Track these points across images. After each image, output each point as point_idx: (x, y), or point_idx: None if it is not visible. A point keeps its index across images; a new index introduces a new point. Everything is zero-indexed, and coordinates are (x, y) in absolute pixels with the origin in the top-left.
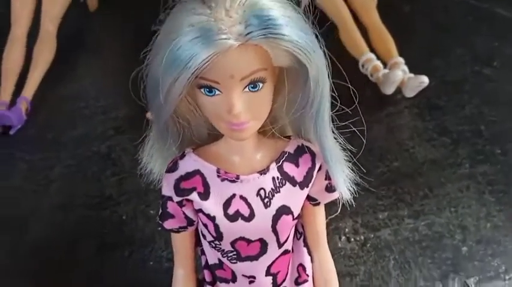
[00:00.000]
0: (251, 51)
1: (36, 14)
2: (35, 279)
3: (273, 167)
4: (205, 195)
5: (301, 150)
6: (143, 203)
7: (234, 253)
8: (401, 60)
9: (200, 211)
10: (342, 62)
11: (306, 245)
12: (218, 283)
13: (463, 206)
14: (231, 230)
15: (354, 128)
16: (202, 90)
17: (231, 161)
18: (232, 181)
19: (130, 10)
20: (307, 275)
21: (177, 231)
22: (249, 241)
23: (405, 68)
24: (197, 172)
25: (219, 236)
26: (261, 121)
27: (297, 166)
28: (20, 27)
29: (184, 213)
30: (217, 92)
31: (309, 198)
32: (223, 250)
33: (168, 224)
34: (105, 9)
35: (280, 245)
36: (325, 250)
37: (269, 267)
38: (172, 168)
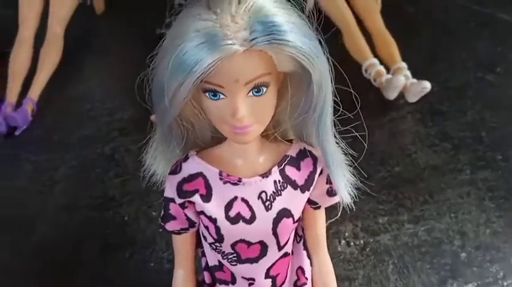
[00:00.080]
0: (255, 57)
1: (43, 15)
2: (38, 279)
3: (275, 170)
4: (207, 197)
5: (303, 154)
6: (145, 205)
7: (234, 255)
8: (404, 65)
9: (202, 213)
10: (345, 66)
11: (305, 248)
12: (218, 284)
13: (463, 212)
14: (231, 232)
15: (355, 133)
16: (207, 94)
17: (233, 164)
18: (235, 184)
19: (137, 14)
20: (306, 278)
21: (179, 233)
22: (249, 244)
23: (408, 73)
24: (200, 174)
25: (219, 238)
26: (264, 125)
27: (299, 169)
28: (27, 29)
29: (186, 215)
30: (221, 96)
31: (310, 201)
32: (224, 252)
33: (170, 226)
34: (111, 13)
35: (280, 248)
36: (324, 253)
37: (269, 269)
38: (175, 170)
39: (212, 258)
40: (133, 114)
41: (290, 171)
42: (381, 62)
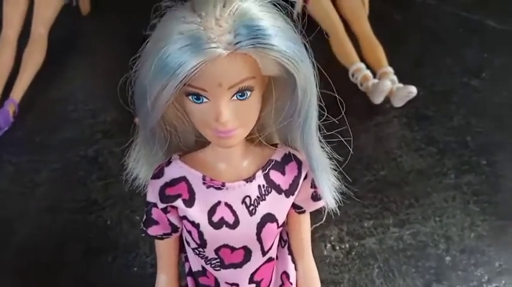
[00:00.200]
0: (240, 60)
1: (27, 16)
2: (21, 281)
3: (259, 175)
4: (190, 202)
5: (287, 158)
6: (128, 209)
7: (218, 260)
8: (390, 70)
9: (185, 217)
10: (331, 71)
11: (290, 253)
12: None
13: (448, 215)
14: (215, 237)
15: (341, 138)
16: (190, 97)
17: (217, 168)
18: (218, 188)
19: (123, 15)
20: (291, 283)
21: (161, 238)
22: (233, 249)
23: (394, 77)
24: (183, 179)
25: (202, 243)
26: (249, 129)
27: (283, 174)
28: (11, 29)
29: (168, 220)
30: (205, 100)
31: (295, 206)
32: (207, 257)
33: (152, 231)
34: (97, 14)
35: (264, 253)
36: (309, 258)
37: (253, 275)
38: (157, 174)
39: (195, 263)
40: (117, 117)
41: (274, 175)
42: (368, 67)
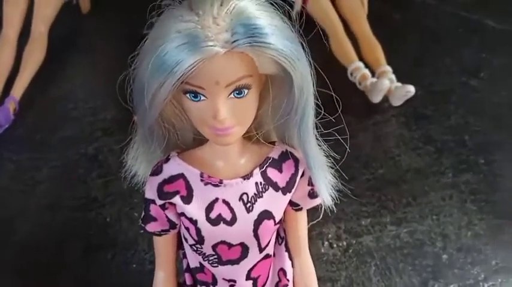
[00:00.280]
0: (237, 59)
1: (28, 14)
2: (21, 279)
3: (257, 172)
4: (188, 199)
5: (285, 156)
6: (128, 206)
7: (215, 256)
8: (389, 69)
9: (182, 214)
10: (331, 70)
11: (287, 250)
12: (199, 286)
13: (445, 214)
14: (212, 233)
15: (338, 136)
16: (187, 95)
17: (215, 165)
18: (216, 185)
19: (123, 13)
20: (288, 280)
21: (159, 234)
22: (230, 245)
23: (393, 77)
24: (181, 176)
25: (200, 239)
26: (246, 127)
27: (280, 171)
28: (11, 28)
29: (166, 216)
30: (202, 98)
31: (292, 203)
32: (205, 254)
33: (151, 227)
34: (97, 12)
35: (261, 250)
36: (306, 255)
37: (250, 271)
38: (156, 171)
39: (193, 260)
40: (117, 114)
41: (272, 173)
42: (366, 66)
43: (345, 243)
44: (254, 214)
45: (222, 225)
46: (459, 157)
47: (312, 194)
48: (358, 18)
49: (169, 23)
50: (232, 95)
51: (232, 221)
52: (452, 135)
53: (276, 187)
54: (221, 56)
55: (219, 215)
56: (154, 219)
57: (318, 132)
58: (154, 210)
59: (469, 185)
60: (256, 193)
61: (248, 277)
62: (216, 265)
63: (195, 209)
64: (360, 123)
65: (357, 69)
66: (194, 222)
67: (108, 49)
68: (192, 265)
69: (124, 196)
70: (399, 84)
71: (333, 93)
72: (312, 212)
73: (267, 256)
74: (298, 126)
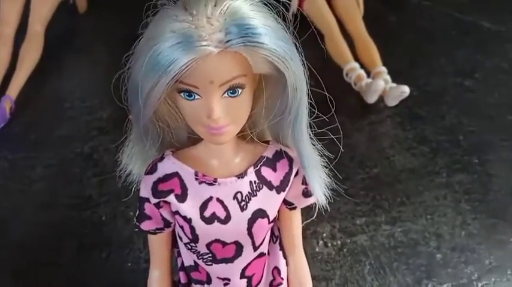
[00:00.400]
0: (231, 58)
1: (24, 13)
2: (14, 278)
3: (251, 171)
4: (182, 197)
5: (279, 155)
6: (123, 205)
7: (210, 255)
8: (384, 69)
9: (177, 213)
10: (326, 70)
11: (281, 248)
12: (193, 285)
13: (439, 214)
14: (206, 232)
15: (332, 136)
16: (182, 94)
17: (209, 164)
18: (210, 184)
19: (119, 13)
20: (282, 279)
21: (154, 233)
22: (224, 244)
23: (388, 77)
24: (175, 174)
25: (194, 238)
26: (240, 126)
27: (275, 170)
28: (8, 26)
29: (161, 215)
30: (196, 97)
31: (286, 202)
32: (199, 252)
33: (145, 226)
34: (94, 11)
35: (255, 248)
36: (300, 253)
37: (244, 270)
38: (151, 170)
39: (188, 258)
40: (113, 113)
41: (266, 172)
42: (362, 66)
43: (339, 242)
44: (248, 213)
45: (216, 223)
46: (453, 157)
47: (306, 193)
48: (354, 18)
49: (163, 23)
50: (226, 95)
51: (226, 220)
52: (446, 136)
53: (270, 186)
54: (215, 55)
55: (213, 214)
56: (149, 218)
57: (312, 131)
58: (148, 209)
59: (463, 185)
60: (250, 191)
61: (242, 276)
62: (210, 263)
63: (190, 208)
64: (355, 123)
65: (353, 70)
66: (188, 220)
67: (105, 49)
68: (186, 264)
69: (119, 194)
70: (394, 84)
71: (327, 94)
72: (307, 211)
73: (261, 255)
74: (292, 125)
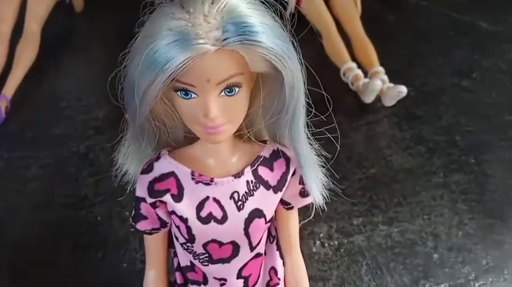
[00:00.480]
0: (228, 57)
1: (21, 12)
2: (11, 277)
3: (248, 170)
4: (178, 197)
5: (276, 154)
6: (119, 205)
7: (206, 255)
8: (381, 69)
9: (173, 212)
10: (324, 70)
11: (278, 248)
12: (189, 285)
13: (436, 214)
14: (203, 232)
15: (329, 135)
16: (178, 93)
17: (206, 164)
18: (207, 184)
19: (115, 12)
20: (279, 279)
21: (150, 233)
22: (221, 244)
23: (385, 77)
24: (171, 174)
25: (191, 238)
26: (237, 125)
27: (272, 170)
28: (4, 25)
29: (157, 214)
30: (193, 95)
31: (283, 202)
32: (195, 252)
33: (141, 226)
34: (90, 11)
35: (252, 249)
36: (297, 253)
37: (241, 270)
38: (147, 169)
39: (184, 258)
40: (109, 113)
41: (263, 171)
42: (359, 66)
43: (336, 242)
44: (245, 213)
45: (212, 223)
46: (450, 157)
47: (303, 193)
48: (351, 18)
49: (160, 21)
50: (223, 93)
51: (223, 220)
52: (443, 136)
53: (267, 186)
54: (212, 53)
55: (210, 214)
56: (145, 217)
57: (309, 131)
58: (144, 208)
59: (460, 185)
60: (247, 191)
61: (239, 276)
62: (206, 263)
63: (186, 208)
64: (353, 123)
65: (350, 70)
66: (185, 220)
67: (101, 48)
68: (182, 264)
69: (115, 194)
70: (391, 84)
71: (324, 93)
72: (304, 211)
73: (258, 255)
74: (289, 124)
